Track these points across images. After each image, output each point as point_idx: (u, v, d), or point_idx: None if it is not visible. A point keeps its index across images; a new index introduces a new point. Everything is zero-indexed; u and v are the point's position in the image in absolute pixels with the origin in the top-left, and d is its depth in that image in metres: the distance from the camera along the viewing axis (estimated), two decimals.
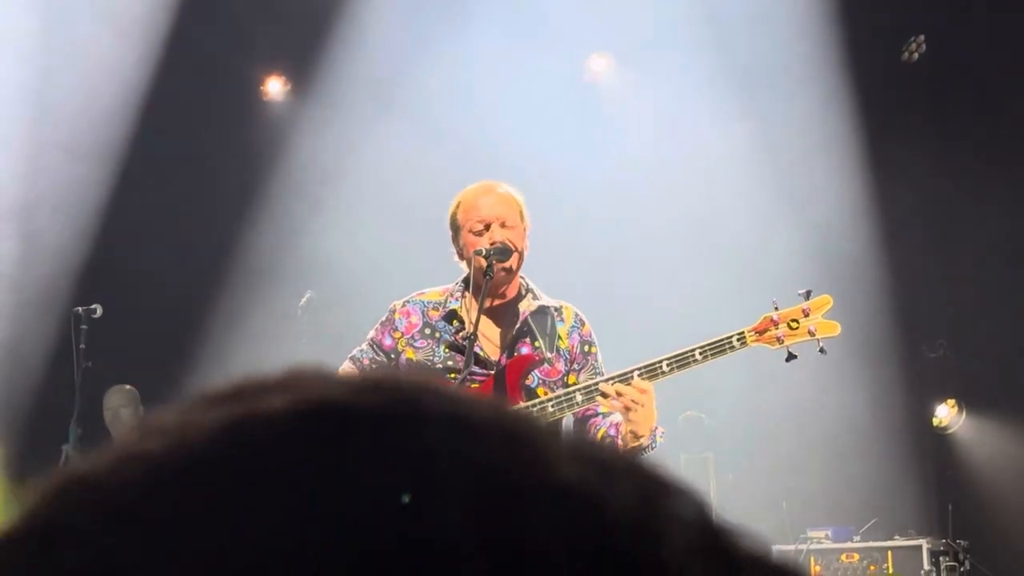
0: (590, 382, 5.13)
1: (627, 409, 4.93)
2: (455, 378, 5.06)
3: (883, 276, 9.44)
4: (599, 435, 5.20)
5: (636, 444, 5.05)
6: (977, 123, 9.45)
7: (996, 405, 9.49)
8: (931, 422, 9.66)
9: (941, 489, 9.02)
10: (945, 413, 9.66)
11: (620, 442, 5.09)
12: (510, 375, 5.16)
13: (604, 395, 4.98)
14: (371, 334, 5.44)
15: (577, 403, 5.10)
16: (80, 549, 0.70)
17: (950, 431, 9.67)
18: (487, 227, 5.17)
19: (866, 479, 9.01)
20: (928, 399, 9.70)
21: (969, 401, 9.67)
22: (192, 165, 10.37)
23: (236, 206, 10.29)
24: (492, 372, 5.18)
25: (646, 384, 4.93)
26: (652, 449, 5.14)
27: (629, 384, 4.95)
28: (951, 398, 9.69)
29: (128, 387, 9.31)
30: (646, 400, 4.92)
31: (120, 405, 9.24)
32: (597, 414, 5.23)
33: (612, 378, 5.05)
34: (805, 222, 9.40)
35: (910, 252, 9.52)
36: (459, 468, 0.71)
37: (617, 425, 5.12)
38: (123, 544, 0.69)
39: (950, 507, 8.65)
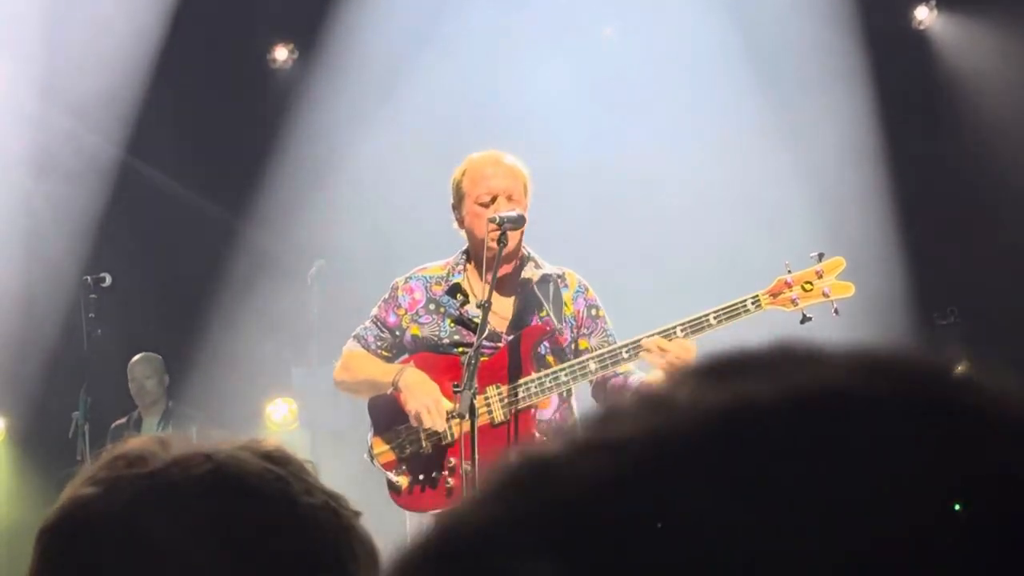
0: (603, 350, 5.10)
1: (669, 366, 4.89)
2: (464, 352, 5.02)
3: (894, 243, 9.39)
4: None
5: None
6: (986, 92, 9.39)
7: (1007, 373, 9.43)
8: None
9: None
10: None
11: None
12: (519, 347, 5.13)
13: (648, 351, 4.93)
14: (375, 312, 5.40)
15: (591, 371, 5.08)
16: (555, 551, 0.60)
17: None
18: (493, 199, 5.12)
19: None
20: None
21: (980, 370, 9.61)
22: (200, 132, 10.31)
23: (244, 174, 10.24)
24: (500, 344, 5.15)
25: (689, 343, 4.90)
26: None
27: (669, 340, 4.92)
28: (962, 367, 9.63)
29: (154, 355, 9.29)
30: (690, 358, 4.88)
31: (145, 376, 9.22)
32: (617, 375, 5.19)
33: (627, 345, 5.03)
34: (817, 187, 9.34)
35: (922, 219, 9.47)
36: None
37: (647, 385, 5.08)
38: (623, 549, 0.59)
39: None
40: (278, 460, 1.33)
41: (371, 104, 9.85)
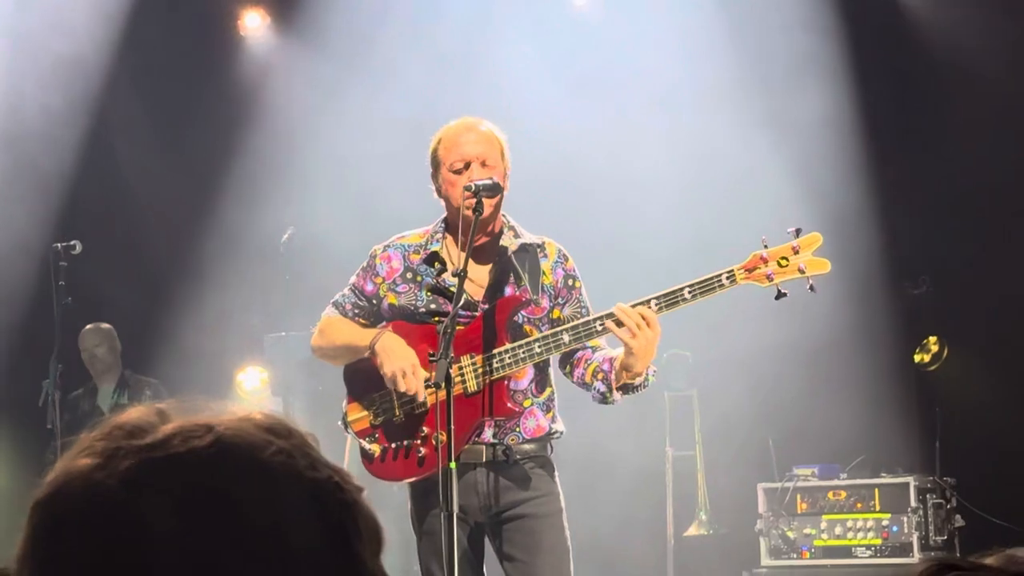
0: (577, 322, 5.08)
1: (631, 335, 4.88)
2: (440, 321, 5.01)
3: (866, 213, 9.40)
4: (590, 369, 5.17)
5: (630, 380, 5.01)
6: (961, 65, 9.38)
7: (978, 341, 9.49)
8: (914, 358, 9.66)
9: (927, 426, 9.02)
10: (928, 349, 9.65)
11: (614, 377, 5.05)
12: (494, 316, 5.11)
13: (617, 322, 4.92)
14: (353, 280, 5.38)
15: (564, 343, 5.06)
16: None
17: (932, 367, 9.67)
18: (467, 165, 5.11)
19: (852, 417, 9.01)
20: (911, 336, 9.69)
21: (952, 338, 9.66)
22: (170, 100, 10.25)
23: (216, 141, 10.18)
24: (476, 313, 5.13)
25: (648, 312, 4.89)
26: (644, 387, 5.12)
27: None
28: (934, 335, 9.67)
29: (104, 325, 9.25)
30: (650, 329, 4.87)
31: (95, 345, 9.19)
32: (586, 348, 5.19)
33: (601, 317, 5.01)
34: (791, 159, 9.33)
35: (894, 189, 9.47)
36: None
37: (611, 360, 5.09)
38: None
39: (937, 444, 8.66)
40: (281, 433, 1.30)
41: (344, 73, 9.80)
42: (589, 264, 5.49)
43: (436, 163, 5.19)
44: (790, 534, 8.27)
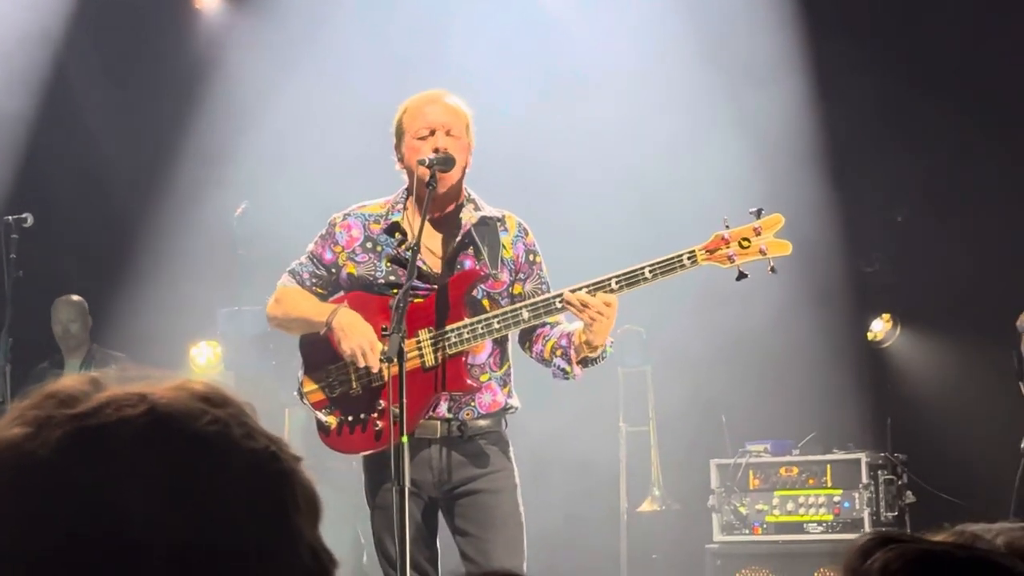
0: (537, 299, 5.08)
1: (591, 319, 4.89)
2: (396, 293, 4.99)
3: (820, 191, 9.43)
4: (549, 345, 5.17)
5: (591, 353, 5.02)
6: (921, 39, 9.41)
7: (930, 319, 9.55)
8: (866, 336, 9.71)
9: (879, 403, 9.07)
10: (880, 327, 9.71)
11: (573, 352, 5.05)
12: (453, 290, 5.10)
13: (569, 304, 4.93)
14: (311, 247, 5.34)
15: (523, 320, 5.06)
16: None
17: (885, 345, 9.72)
18: (432, 133, 5.09)
19: (805, 393, 9.05)
20: (864, 313, 9.74)
21: (904, 315, 9.72)
22: (125, 72, 10.16)
23: (170, 115, 10.10)
24: (435, 286, 5.12)
25: (611, 297, 4.89)
26: (603, 358, 5.12)
27: (613, 292, 4.92)
28: (886, 312, 9.73)
29: (75, 298, 9.18)
30: (611, 312, 4.89)
31: (70, 320, 9.11)
32: (544, 324, 5.19)
33: (561, 295, 5.00)
34: (747, 137, 9.35)
35: (848, 166, 9.51)
36: None
37: (569, 335, 5.09)
38: None
39: (888, 421, 8.71)
40: (217, 402, 1.28)
41: (299, 47, 9.74)
42: (551, 242, 5.48)
43: (400, 132, 5.17)
44: (742, 510, 8.30)
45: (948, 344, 9.41)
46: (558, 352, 5.14)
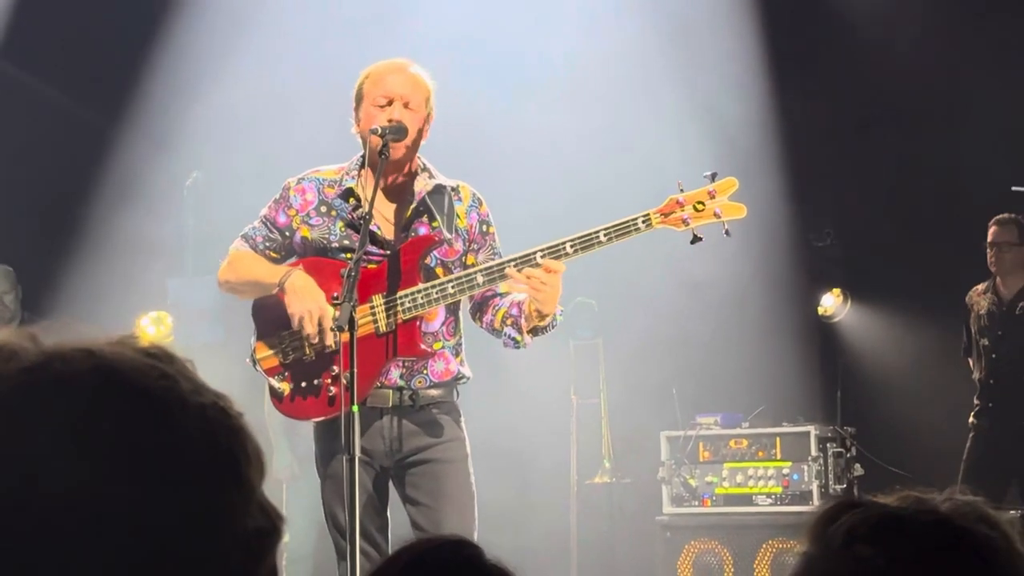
0: (491, 263, 5.08)
1: (535, 290, 4.89)
2: (350, 258, 4.97)
3: (772, 165, 9.46)
4: (499, 315, 5.17)
5: (540, 322, 5.02)
6: None
7: (881, 294, 9.60)
8: (817, 311, 9.75)
9: (829, 377, 9.13)
10: (831, 302, 9.75)
11: (524, 321, 5.05)
12: (407, 256, 5.09)
13: (514, 278, 4.93)
14: (264, 212, 5.32)
15: (478, 284, 5.06)
16: None
17: (835, 320, 9.77)
18: (390, 103, 5.09)
19: (755, 367, 9.09)
20: (815, 288, 9.78)
21: (854, 290, 9.77)
22: (72, 38, 10.01)
23: (120, 83, 9.98)
24: (388, 252, 5.11)
25: (557, 264, 4.89)
26: (554, 326, 5.12)
27: (536, 266, 4.92)
28: (837, 287, 9.77)
29: (6, 268, 9.07)
30: (554, 280, 4.90)
31: (3, 292, 9.00)
32: (496, 294, 5.20)
33: (516, 259, 5.01)
34: (699, 108, 9.36)
35: (800, 142, 9.54)
36: None
37: (519, 304, 5.09)
38: None
39: (838, 394, 8.76)
40: (161, 357, 1.26)
41: (252, 13, 9.65)
42: (503, 209, 5.47)
43: (359, 97, 5.17)
44: (692, 482, 8.33)
45: (898, 319, 9.47)
46: (508, 321, 5.14)
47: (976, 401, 8.62)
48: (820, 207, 9.67)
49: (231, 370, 5.44)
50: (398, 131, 5.02)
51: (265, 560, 1.25)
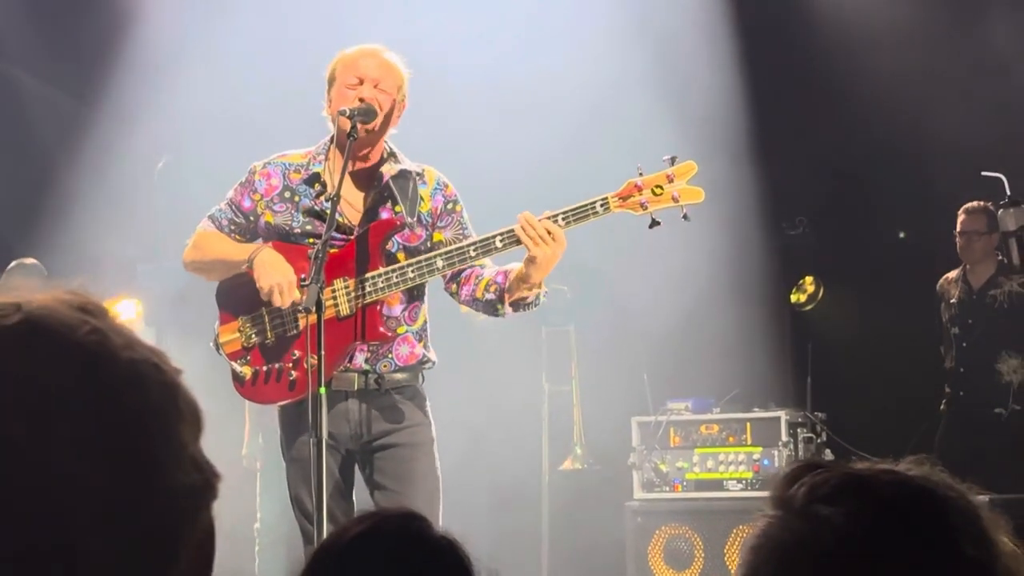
0: (450, 248, 5.07)
1: (535, 244, 4.85)
2: (314, 243, 4.96)
3: (747, 152, 9.46)
4: (482, 284, 5.14)
5: (524, 293, 5.00)
6: None
7: (853, 282, 9.62)
8: (790, 298, 9.77)
9: (800, 363, 9.13)
10: (804, 290, 9.76)
11: (507, 287, 5.03)
12: (370, 240, 5.09)
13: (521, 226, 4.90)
14: (230, 195, 5.32)
15: (438, 268, 5.05)
16: None
17: (808, 307, 9.78)
18: (360, 83, 5.07)
19: (726, 353, 9.08)
20: (787, 275, 9.79)
21: (827, 278, 9.78)
22: (46, 16, 9.94)
23: (92, 63, 9.90)
24: (352, 237, 5.09)
25: (557, 229, 4.88)
26: (535, 305, 5.11)
27: (506, 247, 4.92)
28: (810, 275, 9.79)
29: (33, 261, 9.00)
30: (553, 241, 4.86)
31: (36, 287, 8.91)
32: (474, 266, 5.17)
33: (476, 243, 5.01)
34: (672, 92, 9.34)
35: (774, 130, 9.54)
36: None
37: (505, 273, 5.07)
38: None
39: (808, 380, 8.77)
40: (95, 312, 1.25)
41: None
42: (468, 192, 5.46)
43: (332, 79, 5.17)
44: (663, 467, 8.33)
45: (869, 307, 9.48)
46: (492, 288, 5.12)
47: (947, 389, 8.65)
48: (793, 195, 9.68)
49: (204, 355, 5.42)
50: (366, 112, 5.02)
51: (198, 516, 1.24)
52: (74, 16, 9.96)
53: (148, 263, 9.32)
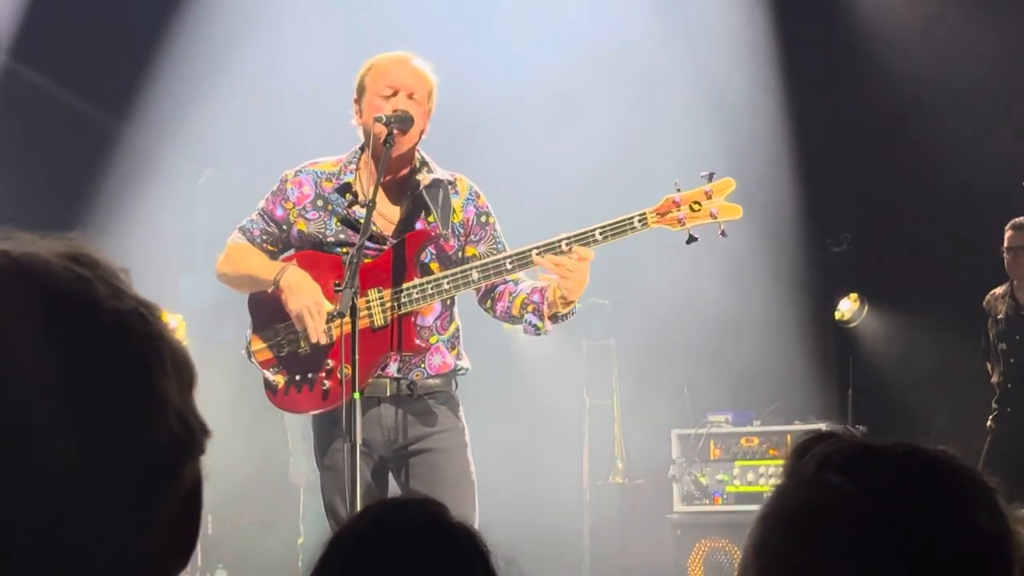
0: (487, 260, 5.05)
1: (564, 278, 4.88)
2: (347, 252, 4.96)
3: (791, 169, 9.43)
4: (517, 302, 5.13)
5: (564, 309, 5.00)
6: None
7: (897, 299, 9.57)
8: (834, 315, 9.73)
9: (841, 376, 9.09)
10: (848, 307, 9.73)
11: (546, 307, 5.02)
12: (404, 251, 5.07)
13: (541, 263, 4.91)
14: (261, 204, 5.31)
15: (473, 280, 5.03)
16: None
17: (852, 325, 9.74)
18: (394, 93, 5.06)
19: (768, 366, 9.04)
20: (832, 292, 9.75)
21: (871, 295, 9.73)
22: (82, 30, 9.95)
23: (130, 75, 9.94)
24: (384, 247, 5.08)
25: (586, 252, 4.88)
26: (572, 315, 5.10)
27: (560, 253, 4.89)
28: (854, 292, 9.75)
29: None
30: (583, 268, 4.89)
31: None
32: (507, 281, 5.15)
33: (513, 256, 5.00)
34: (714, 108, 9.32)
35: (818, 146, 9.51)
36: None
37: (541, 290, 5.06)
38: None
39: (850, 393, 8.72)
40: (85, 262, 1.23)
41: (260, 11, 9.62)
42: (503, 208, 5.44)
43: (362, 89, 5.14)
44: (703, 480, 8.29)
45: (915, 323, 9.42)
46: (529, 307, 5.11)
47: (994, 405, 8.59)
48: (838, 212, 9.64)
49: (245, 367, 5.42)
50: (403, 120, 5.00)
51: (180, 473, 1.22)
52: (113, 31, 10.00)
53: (189, 275, 9.36)
